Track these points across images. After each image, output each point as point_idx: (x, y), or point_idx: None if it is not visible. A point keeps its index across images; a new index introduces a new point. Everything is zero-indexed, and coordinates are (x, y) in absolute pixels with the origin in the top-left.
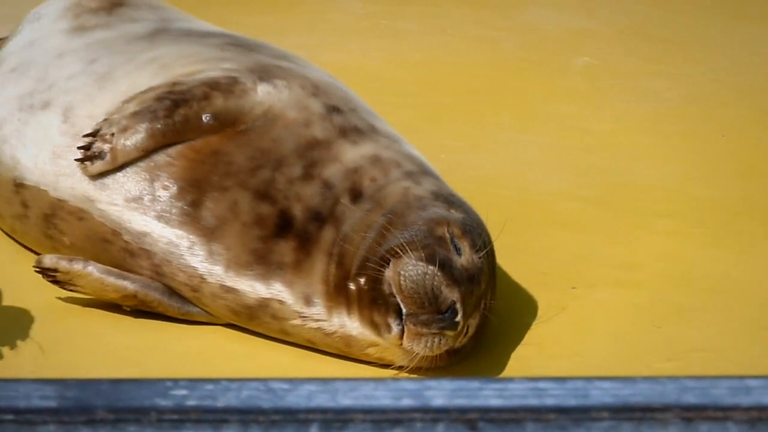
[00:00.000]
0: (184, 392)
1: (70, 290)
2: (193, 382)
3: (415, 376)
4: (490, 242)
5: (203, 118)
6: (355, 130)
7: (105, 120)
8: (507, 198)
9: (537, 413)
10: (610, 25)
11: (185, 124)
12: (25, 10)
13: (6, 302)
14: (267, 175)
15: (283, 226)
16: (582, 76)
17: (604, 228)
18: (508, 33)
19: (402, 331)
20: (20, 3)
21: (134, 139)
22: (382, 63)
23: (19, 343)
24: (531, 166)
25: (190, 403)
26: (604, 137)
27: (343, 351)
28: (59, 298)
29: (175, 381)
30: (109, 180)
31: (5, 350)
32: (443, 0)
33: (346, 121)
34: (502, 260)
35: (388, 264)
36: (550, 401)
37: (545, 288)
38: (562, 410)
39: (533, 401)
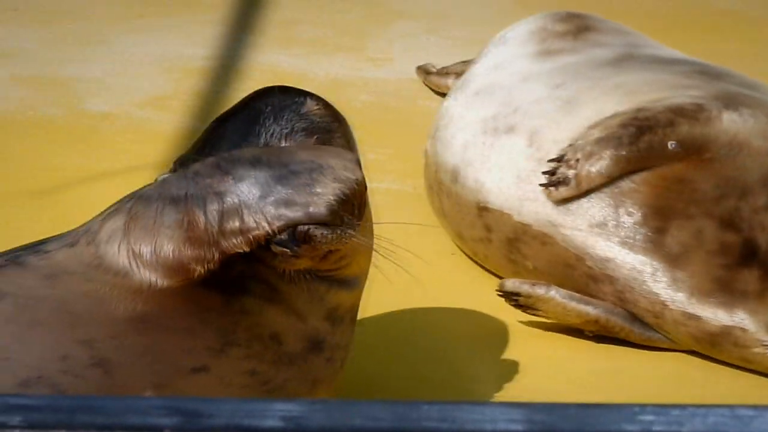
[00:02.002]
0: (650, 417)
1: (532, 314)
2: (660, 408)
3: None
4: None
5: (668, 145)
6: None
7: (570, 145)
8: None
9: None
10: None
11: (650, 151)
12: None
13: (470, 326)
14: (732, 204)
15: (748, 254)
16: None
17: None
18: None
19: None
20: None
21: (599, 165)
22: None
23: (481, 367)
24: None
25: (657, 428)
26: None
27: None
28: (521, 322)
29: (642, 406)
30: (573, 205)
31: (466, 373)
32: None
33: None
34: None
35: None
36: None
37: None
38: None
39: None
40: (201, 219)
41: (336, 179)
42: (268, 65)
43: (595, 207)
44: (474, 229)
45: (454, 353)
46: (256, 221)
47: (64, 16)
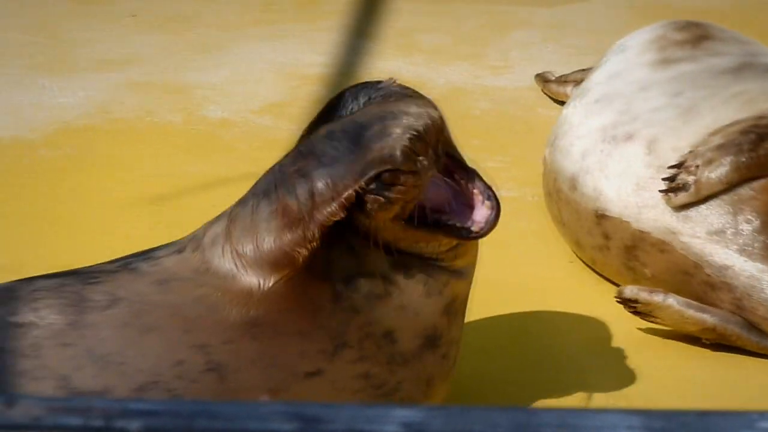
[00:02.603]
0: None
1: (650, 322)
2: None
3: None
4: None
5: None
6: None
7: (690, 152)
8: None
9: None
10: None
11: None
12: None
13: (588, 333)
14: None
15: None
16: None
17: None
18: None
19: None
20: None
21: (719, 171)
22: None
23: (599, 374)
24: None
25: None
26: None
27: None
28: (639, 329)
29: (761, 413)
30: (692, 212)
31: (585, 380)
32: None
33: None
34: None
35: None
36: None
37: None
38: None
39: None
40: (293, 202)
41: (407, 120)
42: (387, 72)
43: (713, 214)
44: (592, 236)
45: (571, 360)
46: (343, 184)
47: (182, 23)
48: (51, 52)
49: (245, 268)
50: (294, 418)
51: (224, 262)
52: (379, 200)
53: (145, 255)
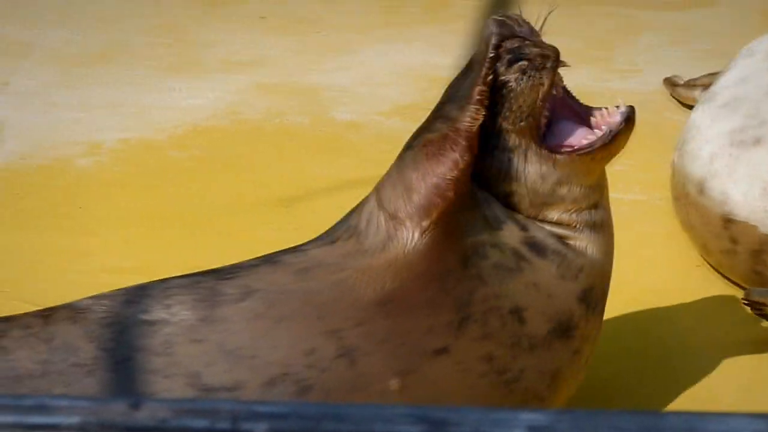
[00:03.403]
0: None
1: None
2: None
3: None
4: None
5: None
6: None
7: None
8: None
9: None
10: None
11: None
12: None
13: (715, 336)
14: None
15: None
16: None
17: None
18: None
19: None
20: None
21: None
22: None
23: (726, 377)
24: None
25: None
26: None
27: None
28: (767, 332)
29: None
30: None
31: (711, 383)
32: None
33: None
34: None
35: None
36: None
37: None
38: None
39: None
40: (433, 135)
41: None
42: None
43: None
44: (719, 240)
45: (697, 363)
46: (471, 86)
47: (310, 25)
48: (180, 54)
49: (397, 227)
50: (421, 420)
51: (379, 233)
52: (520, 68)
53: (294, 249)
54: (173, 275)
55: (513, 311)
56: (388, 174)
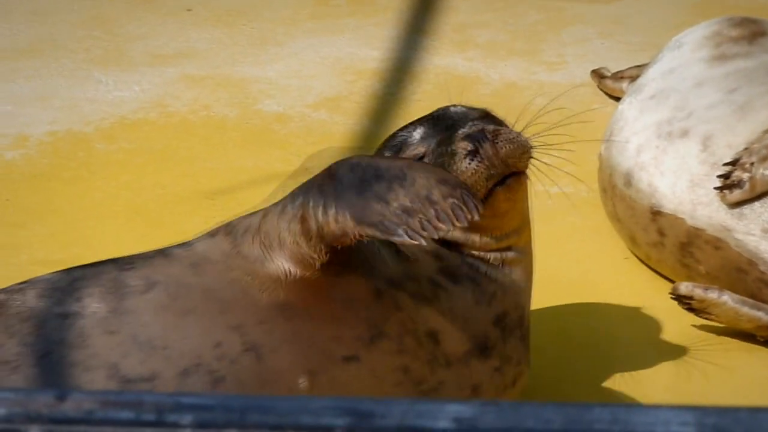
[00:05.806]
0: None
1: (704, 318)
2: None
3: None
4: None
5: None
6: None
7: (746, 149)
8: None
9: None
10: None
11: None
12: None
13: (642, 329)
14: None
15: None
16: None
17: None
18: None
19: None
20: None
21: None
22: None
23: (652, 370)
24: None
25: None
26: None
27: None
28: (693, 326)
29: None
30: (746, 210)
31: (638, 376)
32: None
33: None
34: None
35: None
36: None
37: None
38: None
39: None
40: (310, 215)
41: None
42: (442, 68)
43: None
44: (647, 233)
45: (625, 356)
46: (343, 220)
47: (237, 17)
48: (107, 46)
49: (273, 257)
50: (346, 413)
51: (253, 248)
52: (470, 153)
53: (183, 243)
54: None
55: (429, 334)
56: (275, 206)
